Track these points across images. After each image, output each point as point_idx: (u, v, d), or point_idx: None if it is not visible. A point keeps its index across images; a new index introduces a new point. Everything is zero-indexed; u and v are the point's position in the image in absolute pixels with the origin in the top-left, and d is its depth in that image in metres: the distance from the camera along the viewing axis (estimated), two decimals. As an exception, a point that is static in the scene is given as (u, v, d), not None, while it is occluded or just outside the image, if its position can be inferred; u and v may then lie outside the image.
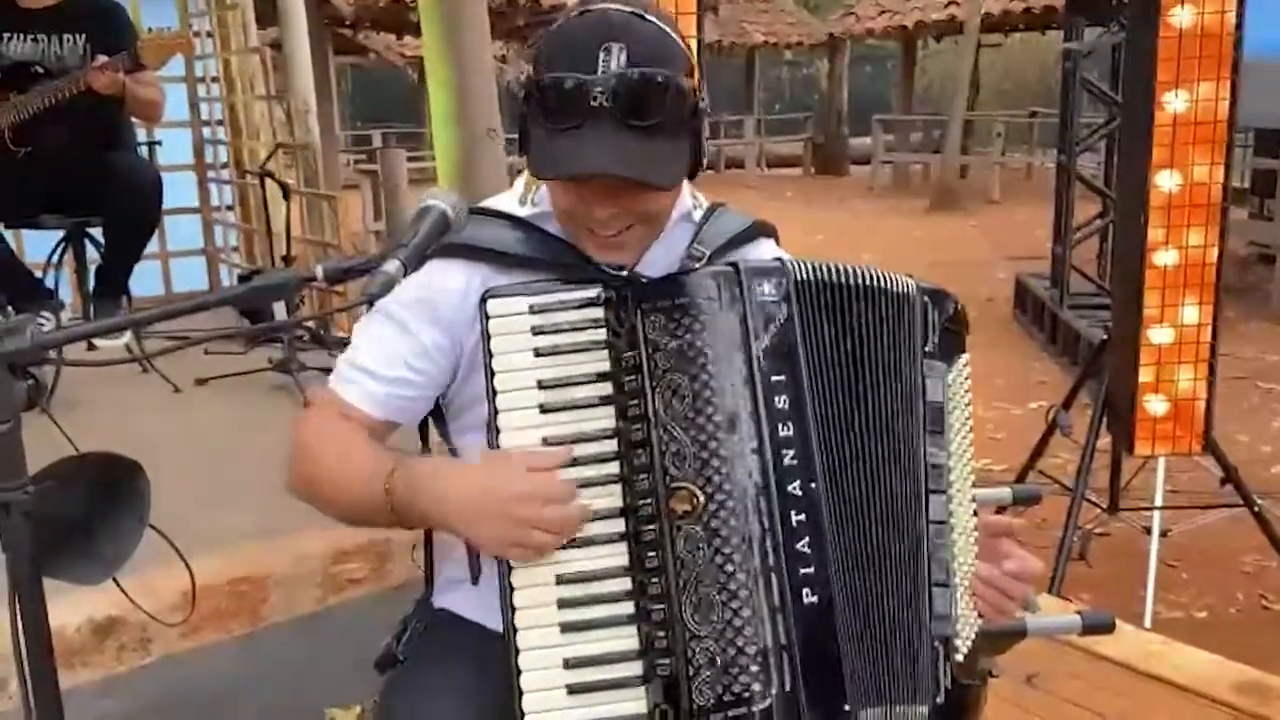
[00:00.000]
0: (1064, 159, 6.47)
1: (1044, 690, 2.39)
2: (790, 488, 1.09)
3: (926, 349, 1.17)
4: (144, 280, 3.86)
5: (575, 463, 1.11)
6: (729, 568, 1.07)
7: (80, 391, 3.28)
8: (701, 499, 1.07)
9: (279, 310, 3.82)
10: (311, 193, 4.73)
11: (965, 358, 1.21)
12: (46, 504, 1.00)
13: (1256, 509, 3.32)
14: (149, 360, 3.60)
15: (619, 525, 1.11)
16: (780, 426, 1.09)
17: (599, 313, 1.12)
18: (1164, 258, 3.01)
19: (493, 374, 1.11)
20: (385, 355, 1.24)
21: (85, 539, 1.08)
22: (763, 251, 1.35)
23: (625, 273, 1.22)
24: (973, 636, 1.17)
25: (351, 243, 4.89)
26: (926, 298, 1.19)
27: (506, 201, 1.28)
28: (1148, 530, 3.29)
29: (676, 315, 1.09)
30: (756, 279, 1.12)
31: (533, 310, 1.12)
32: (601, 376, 1.12)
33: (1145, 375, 3.08)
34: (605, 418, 1.11)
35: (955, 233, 11.56)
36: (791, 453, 1.09)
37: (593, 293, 1.12)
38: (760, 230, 1.37)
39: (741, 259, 1.22)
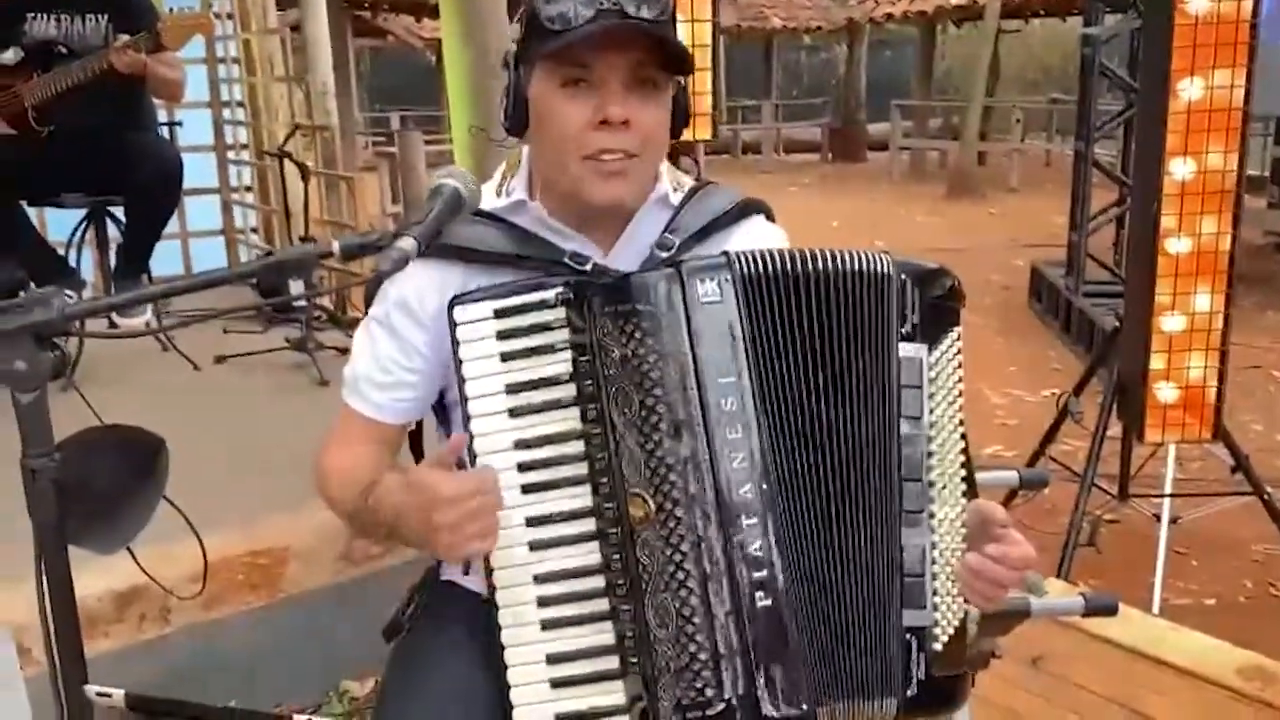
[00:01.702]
0: (1081, 146, 6.43)
1: (1048, 673, 2.41)
2: (741, 492, 1.09)
3: (903, 330, 1.15)
4: (164, 260, 3.91)
5: (545, 464, 1.14)
6: (680, 575, 1.09)
7: (101, 370, 3.33)
8: (652, 506, 1.09)
9: (296, 290, 3.86)
10: (329, 174, 4.76)
11: (956, 333, 1.18)
12: (70, 471, 1.03)
13: (1266, 497, 3.32)
14: (169, 338, 3.66)
15: (590, 525, 1.13)
16: (729, 430, 1.09)
17: (561, 313, 1.14)
18: (1176, 245, 3.00)
19: (463, 380, 1.14)
20: (380, 363, 1.29)
21: (105, 508, 1.11)
22: (750, 232, 1.35)
23: (590, 266, 1.23)
24: (956, 625, 1.16)
25: (369, 224, 4.92)
26: (905, 276, 1.15)
27: (485, 193, 1.30)
28: (1157, 517, 3.29)
29: (620, 322, 1.10)
30: (698, 278, 1.11)
31: (497, 314, 1.14)
32: (566, 378, 1.13)
33: (1156, 362, 3.07)
34: (572, 419, 1.13)
35: (973, 220, 11.50)
36: (740, 456, 1.09)
37: (551, 293, 1.14)
38: (748, 209, 1.36)
39: (704, 251, 1.23)
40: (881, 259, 1.16)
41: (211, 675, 2.31)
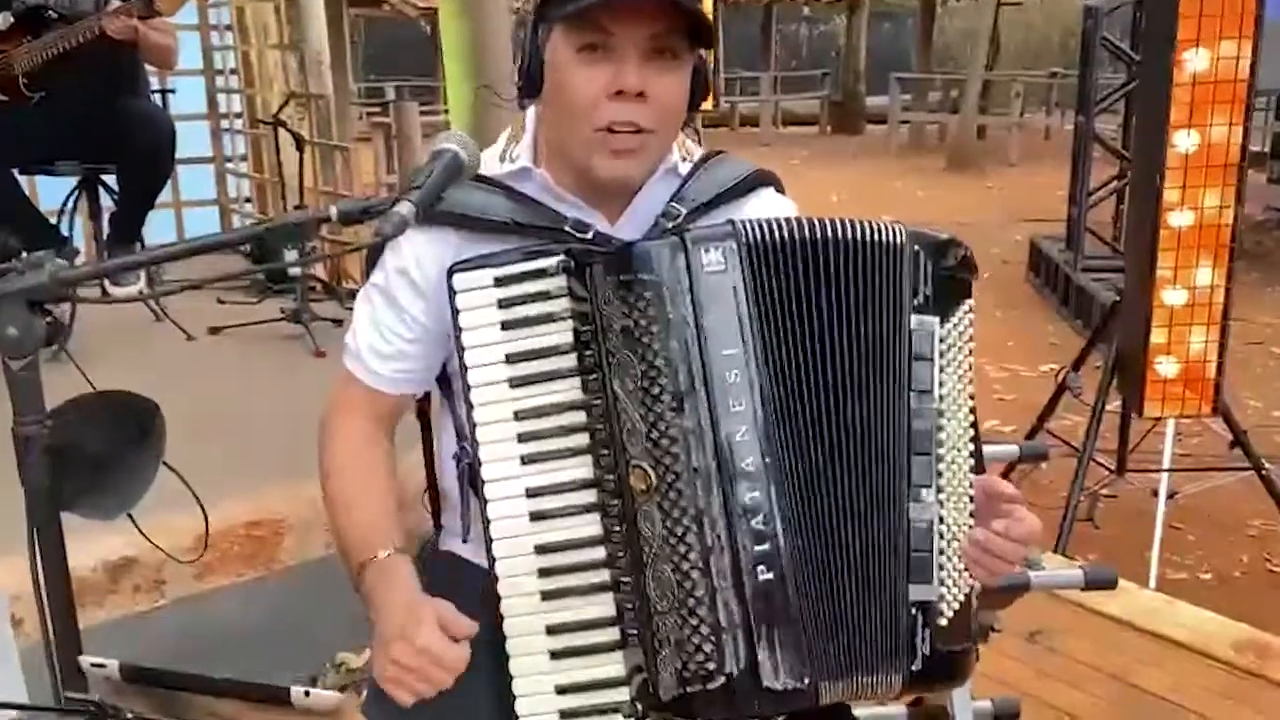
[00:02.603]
0: (1082, 119, 6.39)
1: (1046, 646, 2.42)
2: (744, 464, 1.07)
3: (916, 301, 1.12)
4: (157, 229, 3.88)
5: (546, 435, 1.12)
6: (682, 548, 1.07)
7: (94, 339, 3.30)
8: (654, 478, 1.07)
9: (288, 257, 3.83)
10: (324, 144, 4.72)
11: (968, 305, 1.15)
12: (64, 438, 1.02)
13: (1265, 472, 3.32)
14: (162, 307, 3.63)
15: (591, 496, 1.12)
16: (732, 402, 1.07)
17: (562, 281, 1.11)
18: (1179, 219, 2.99)
19: (462, 350, 1.12)
20: (381, 332, 1.27)
21: (101, 475, 1.09)
22: (759, 204, 1.32)
23: (592, 234, 1.21)
24: (962, 599, 1.14)
25: (364, 195, 4.88)
26: (918, 246, 1.13)
27: (487, 159, 1.27)
28: (1155, 492, 3.29)
29: (622, 292, 1.07)
30: (702, 247, 1.07)
31: (497, 282, 1.12)
32: (567, 348, 1.11)
33: (1157, 336, 3.06)
34: (573, 389, 1.11)
35: (972, 194, 11.48)
36: (744, 429, 1.07)
37: (552, 261, 1.11)
38: (758, 181, 1.33)
39: (708, 221, 1.20)
40: (894, 229, 1.12)
41: (207, 646, 2.30)
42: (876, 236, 1.12)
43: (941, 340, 1.13)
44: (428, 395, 1.38)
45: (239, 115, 5.27)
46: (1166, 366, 3.09)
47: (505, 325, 1.12)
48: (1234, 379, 3.70)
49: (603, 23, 1.13)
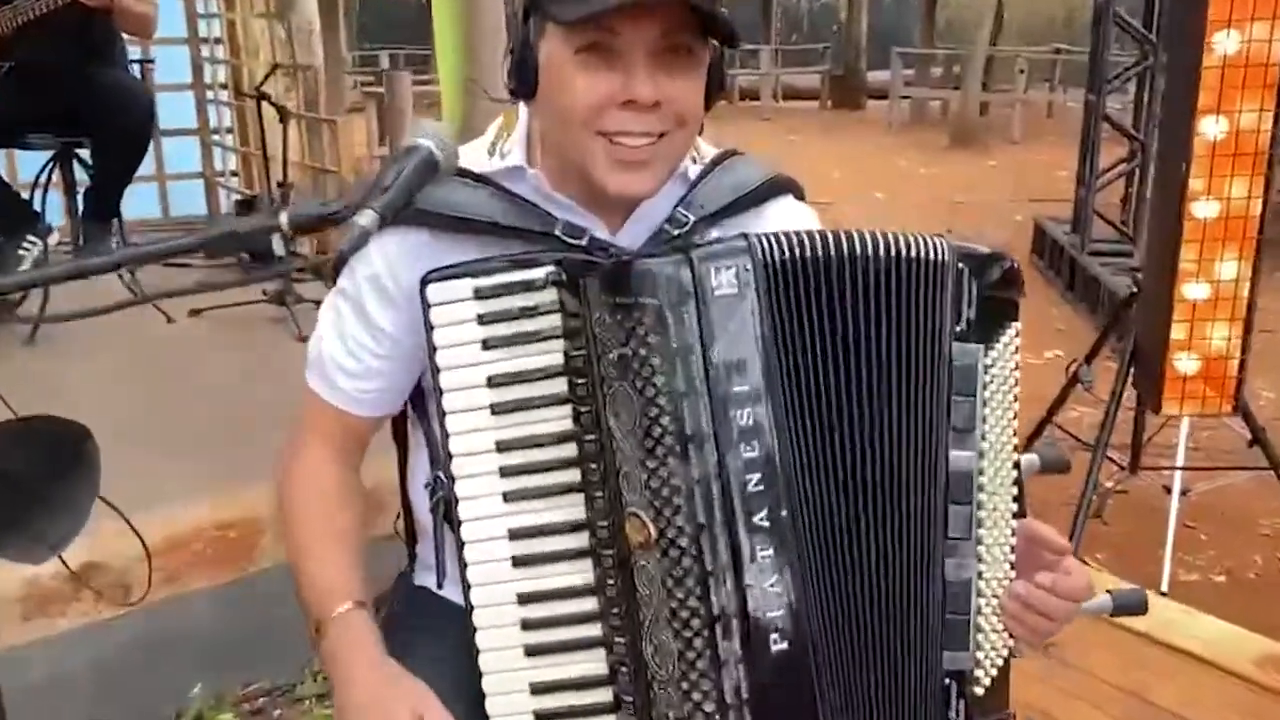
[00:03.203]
0: (1093, 98, 6.22)
1: (1060, 660, 2.32)
2: (756, 518, 0.93)
3: (957, 328, 0.99)
4: (142, 203, 3.75)
5: (531, 470, 1.00)
6: (684, 613, 0.94)
7: (72, 323, 3.18)
8: (653, 531, 0.94)
9: (276, 241, 3.69)
10: (311, 116, 4.57)
11: (1014, 329, 1.02)
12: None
13: (1282, 471, 3.21)
14: (141, 290, 3.49)
15: (582, 540, 0.99)
16: (743, 447, 0.93)
17: (552, 295, 0.98)
18: (1204, 209, 2.86)
19: (438, 370, 1.00)
20: (347, 346, 1.13)
21: (26, 511, 0.97)
22: (777, 214, 1.17)
23: (586, 240, 1.07)
24: (1000, 664, 1.02)
25: (354, 169, 4.73)
26: (963, 263, 0.99)
27: (472, 152, 1.12)
28: (1168, 490, 3.19)
29: (619, 316, 0.93)
30: (712, 267, 0.93)
31: (478, 295, 0.99)
32: (557, 371, 0.99)
33: (1177, 332, 2.94)
34: (564, 418, 0.99)
35: (974, 172, 11.33)
36: (756, 477, 0.93)
37: (540, 273, 0.98)
38: (776, 187, 1.19)
39: (722, 234, 1.06)
40: (935, 243, 0.98)
41: (179, 652, 2.20)
42: (914, 253, 0.97)
43: (985, 371, 0.99)
44: (404, 412, 1.25)
45: (225, 86, 5.11)
46: (1186, 363, 2.97)
47: (487, 344, 0.99)
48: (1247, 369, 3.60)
49: (607, 22, 0.98)
